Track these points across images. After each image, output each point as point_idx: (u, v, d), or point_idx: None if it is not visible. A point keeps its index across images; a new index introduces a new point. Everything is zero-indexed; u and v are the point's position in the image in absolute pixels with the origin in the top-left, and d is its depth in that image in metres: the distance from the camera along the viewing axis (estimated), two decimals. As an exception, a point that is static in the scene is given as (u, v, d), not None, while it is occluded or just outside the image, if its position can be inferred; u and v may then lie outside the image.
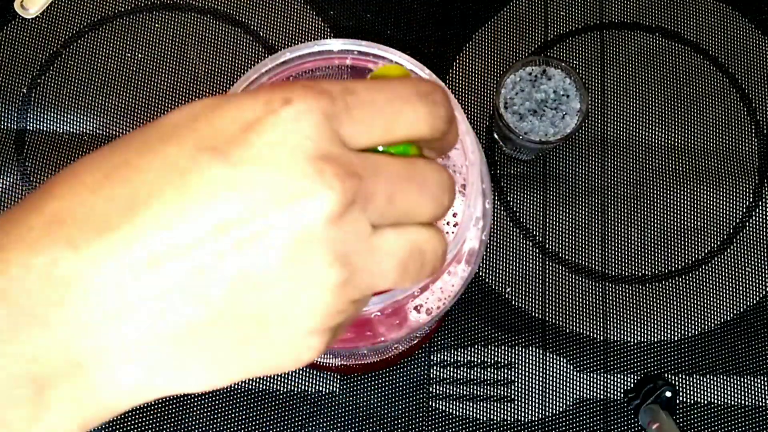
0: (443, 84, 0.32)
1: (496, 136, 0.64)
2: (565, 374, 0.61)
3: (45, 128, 0.65)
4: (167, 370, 0.23)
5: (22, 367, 0.22)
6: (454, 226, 0.46)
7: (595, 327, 0.62)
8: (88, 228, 0.22)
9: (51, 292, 0.21)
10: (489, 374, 0.61)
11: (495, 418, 0.60)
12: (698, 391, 0.61)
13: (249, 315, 0.23)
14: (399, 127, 0.25)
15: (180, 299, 0.22)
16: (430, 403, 0.60)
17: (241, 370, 0.24)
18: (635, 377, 0.61)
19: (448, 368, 0.61)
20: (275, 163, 0.22)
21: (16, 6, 0.67)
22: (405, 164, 0.25)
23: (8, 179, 0.64)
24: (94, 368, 0.22)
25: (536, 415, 0.60)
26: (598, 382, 0.61)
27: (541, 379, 0.61)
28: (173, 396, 0.60)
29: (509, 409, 0.61)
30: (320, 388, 0.60)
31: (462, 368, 0.61)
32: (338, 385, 0.60)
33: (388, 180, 0.24)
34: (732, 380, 0.61)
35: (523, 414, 0.60)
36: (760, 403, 0.61)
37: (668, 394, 0.59)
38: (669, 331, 0.62)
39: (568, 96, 0.61)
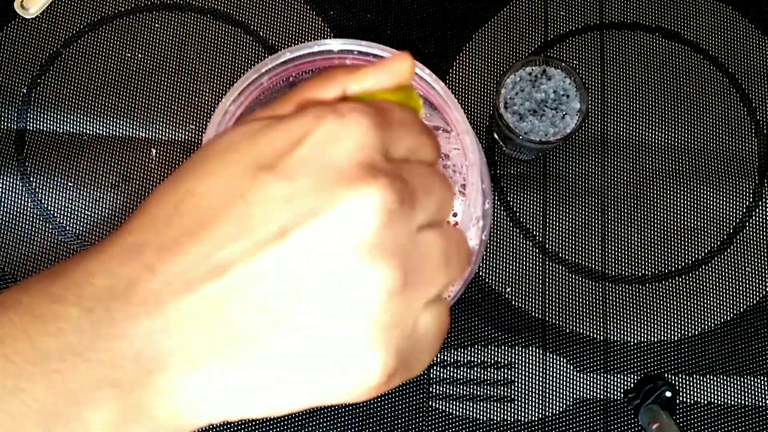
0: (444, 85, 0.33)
1: (496, 136, 0.64)
2: (565, 374, 0.61)
3: (45, 128, 0.65)
4: (228, 383, 0.24)
5: (102, 373, 0.23)
6: (454, 226, 0.46)
7: (595, 327, 0.62)
8: (162, 253, 0.24)
9: (128, 308, 0.24)
10: (489, 374, 0.61)
11: (495, 418, 0.60)
12: (698, 391, 0.61)
13: (306, 325, 0.24)
14: (420, 150, 0.27)
15: (238, 307, 0.23)
16: (430, 403, 0.60)
17: (303, 396, 0.25)
18: (635, 377, 0.61)
19: (448, 368, 0.61)
20: (329, 170, 0.24)
21: (16, 6, 0.67)
22: (431, 170, 0.27)
23: (8, 179, 0.64)
24: (163, 375, 0.24)
25: (536, 415, 0.60)
26: (598, 382, 0.61)
27: (541, 379, 0.61)
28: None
29: (509, 409, 0.61)
30: (320, 388, 0.60)
31: (462, 368, 0.61)
32: (338, 385, 0.60)
33: (424, 185, 0.26)
34: (732, 380, 0.61)
35: (523, 414, 0.60)
36: (760, 403, 0.61)
37: (668, 394, 0.59)
38: (669, 331, 0.62)
39: (568, 96, 0.61)
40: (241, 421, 0.60)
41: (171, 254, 0.24)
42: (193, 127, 0.66)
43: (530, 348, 0.62)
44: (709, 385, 0.61)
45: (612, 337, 0.62)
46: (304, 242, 0.23)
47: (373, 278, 0.23)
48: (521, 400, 0.61)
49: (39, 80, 0.66)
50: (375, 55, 0.39)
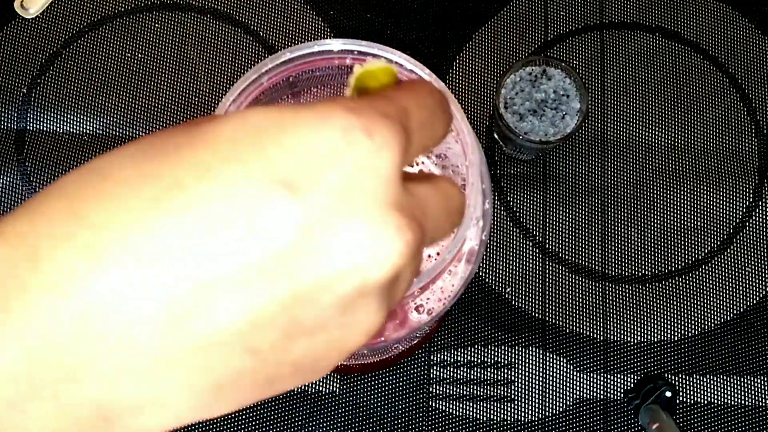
0: (443, 85, 0.32)
1: (496, 136, 0.64)
2: (565, 374, 0.61)
3: (45, 128, 0.65)
4: (196, 412, 0.22)
5: (47, 426, 0.20)
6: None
7: (595, 327, 0.62)
8: (133, 270, 0.19)
9: (86, 344, 0.19)
10: (489, 374, 0.61)
11: (495, 418, 0.60)
12: (698, 391, 0.61)
13: (288, 361, 0.22)
14: (432, 141, 0.25)
15: (230, 350, 0.21)
16: (430, 403, 0.60)
17: (260, 398, 0.24)
18: (635, 377, 0.61)
19: (448, 368, 0.61)
20: (353, 208, 0.21)
21: (16, 6, 0.67)
22: (443, 198, 0.25)
23: (8, 179, 0.64)
24: (123, 422, 0.21)
25: (536, 415, 0.60)
26: (598, 382, 0.61)
27: (541, 379, 0.61)
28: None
29: (509, 409, 0.61)
30: (320, 388, 0.60)
31: (462, 368, 0.61)
32: (338, 385, 0.60)
33: (433, 219, 0.24)
34: (732, 380, 0.61)
35: (523, 414, 0.60)
36: (760, 403, 0.61)
37: (668, 394, 0.59)
38: (669, 331, 0.62)
39: (568, 96, 0.61)
40: (239, 419, 0.60)
41: (150, 266, 0.19)
42: (193, 127, 0.66)
43: (530, 348, 0.62)
44: (709, 385, 0.61)
45: (612, 337, 0.62)
46: (312, 290, 0.21)
47: (373, 319, 0.23)
48: (521, 400, 0.61)
49: (39, 80, 0.66)
50: (375, 55, 0.39)
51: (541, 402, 0.61)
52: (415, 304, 0.45)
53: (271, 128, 0.21)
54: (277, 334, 0.21)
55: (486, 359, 0.61)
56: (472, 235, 0.42)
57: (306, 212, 0.20)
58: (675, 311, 0.63)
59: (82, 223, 0.20)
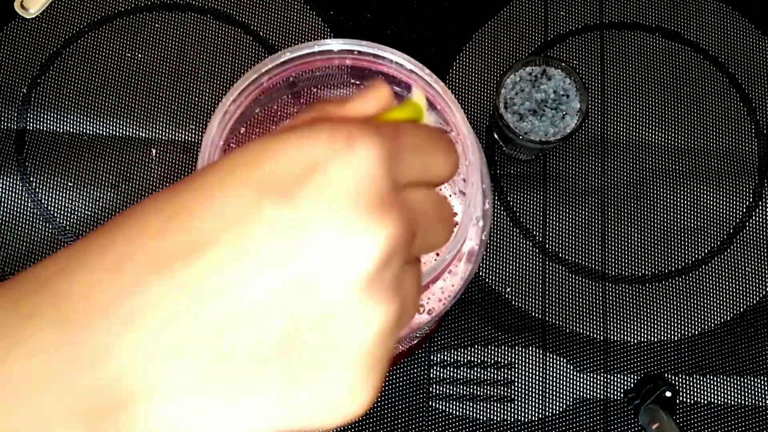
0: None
1: (496, 136, 0.64)
2: (565, 374, 0.61)
3: (45, 128, 0.65)
4: (212, 411, 0.23)
5: (76, 401, 0.22)
6: (454, 226, 0.46)
7: (595, 327, 0.62)
8: (148, 270, 0.22)
9: (111, 326, 0.22)
10: (489, 374, 0.61)
11: (495, 418, 0.60)
12: (698, 391, 0.61)
13: (300, 358, 0.23)
14: (432, 170, 0.26)
15: (230, 340, 0.22)
16: (430, 403, 0.60)
17: (291, 418, 0.24)
18: (635, 377, 0.61)
19: (448, 368, 0.61)
20: (339, 205, 0.23)
21: (16, 6, 0.67)
22: (436, 202, 0.27)
23: (8, 179, 0.64)
24: (141, 406, 0.22)
25: (536, 415, 0.60)
26: (598, 382, 0.61)
27: (541, 379, 0.61)
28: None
29: (509, 409, 0.61)
30: (320, 388, 0.60)
31: (462, 368, 0.61)
32: (338, 385, 0.60)
33: (425, 219, 0.26)
34: (732, 380, 0.61)
35: (523, 414, 0.60)
36: (760, 403, 0.61)
37: (668, 394, 0.59)
38: (669, 331, 0.62)
39: (568, 96, 0.61)
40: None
41: (158, 274, 0.22)
42: (193, 127, 0.66)
43: (530, 348, 0.62)
44: (709, 385, 0.61)
45: (612, 337, 0.62)
46: (305, 276, 0.22)
47: (371, 317, 0.23)
48: (521, 400, 0.61)
49: (39, 80, 0.66)
50: (375, 55, 0.39)
51: (541, 402, 0.61)
52: (415, 304, 0.44)
53: (266, 150, 0.23)
54: (276, 326, 0.22)
55: (486, 359, 0.61)
56: (472, 235, 0.42)
57: (290, 211, 0.22)
58: (675, 311, 0.63)
59: (117, 241, 0.23)
